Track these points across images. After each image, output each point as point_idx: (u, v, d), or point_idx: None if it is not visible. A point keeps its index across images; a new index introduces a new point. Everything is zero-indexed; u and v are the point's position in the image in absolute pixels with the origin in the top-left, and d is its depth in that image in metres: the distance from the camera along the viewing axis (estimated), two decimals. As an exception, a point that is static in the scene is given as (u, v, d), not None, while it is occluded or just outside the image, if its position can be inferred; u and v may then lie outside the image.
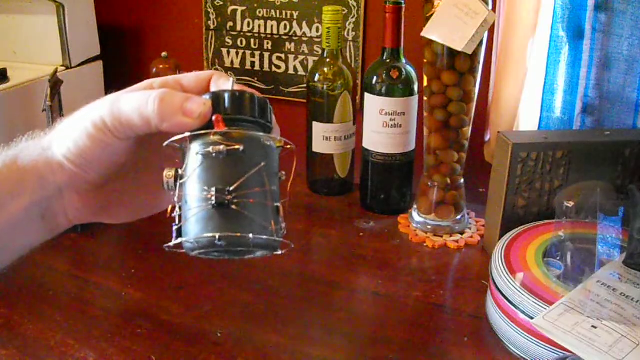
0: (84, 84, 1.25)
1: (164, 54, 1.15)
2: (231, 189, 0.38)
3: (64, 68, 1.20)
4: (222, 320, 0.74)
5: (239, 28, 1.25)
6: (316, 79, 1.03)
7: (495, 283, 0.72)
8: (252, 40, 1.25)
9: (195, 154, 0.40)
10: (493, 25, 0.88)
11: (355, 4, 1.14)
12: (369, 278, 0.84)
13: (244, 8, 1.23)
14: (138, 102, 0.41)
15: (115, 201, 0.48)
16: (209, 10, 1.27)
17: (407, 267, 0.88)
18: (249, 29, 1.24)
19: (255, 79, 1.28)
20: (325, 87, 1.02)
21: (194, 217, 0.38)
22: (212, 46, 1.29)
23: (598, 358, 0.59)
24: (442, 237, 0.93)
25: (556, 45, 0.93)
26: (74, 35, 1.20)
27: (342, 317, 0.77)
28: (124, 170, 0.46)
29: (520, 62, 0.98)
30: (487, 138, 1.09)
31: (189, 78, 0.46)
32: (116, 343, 0.69)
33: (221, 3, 1.25)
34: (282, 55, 1.24)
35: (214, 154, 0.39)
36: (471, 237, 0.94)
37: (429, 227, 0.95)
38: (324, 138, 1.05)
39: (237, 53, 1.27)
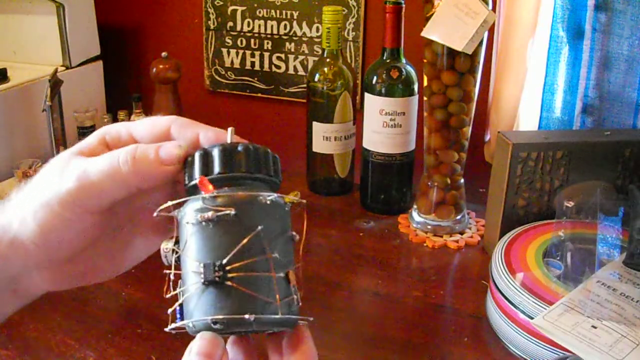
0: (84, 84, 1.25)
1: (164, 54, 1.15)
2: (224, 262, 0.33)
3: (64, 68, 1.20)
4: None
5: (239, 28, 1.25)
6: (316, 79, 1.03)
7: (495, 283, 0.72)
8: (252, 40, 1.25)
9: (185, 223, 0.35)
10: (493, 25, 0.88)
11: (355, 4, 1.14)
12: (369, 278, 0.84)
13: (244, 8, 1.23)
14: (108, 166, 0.37)
15: (93, 266, 0.43)
16: (209, 10, 1.27)
17: (407, 267, 0.88)
18: (249, 29, 1.24)
19: (255, 79, 1.28)
20: (325, 87, 1.02)
21: (187, 298, 0.34)
22: (212, 46, 1.29)
23: (598, 358, 0.59)
24: (442, 237, 0.93)
25: (556, 45, 0.93)
26: (74, 35, 1.20)
27: (342, 317, 0.77)
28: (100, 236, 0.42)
29: (520, 62, 0.98)
30: (487, 138, 1.09)
31: (142, 128, 0.40)
32: (116, 343, 0.69)
33: (221, 3, 1.25)
34: (282, 55, 1.24)
35: (203, 223, 0.34)
36: (471, 237, 0.94)
37: (429, 227, 0.95)
38: (324, 138, 1.05)
39: (237, 53, 1.27)
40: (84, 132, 1.08)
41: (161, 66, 1.13)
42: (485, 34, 0.85)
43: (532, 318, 0.65)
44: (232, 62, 1.28)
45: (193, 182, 0.37)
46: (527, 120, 1.01)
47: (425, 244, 0.93)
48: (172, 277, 0.36)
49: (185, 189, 0.38)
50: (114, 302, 0.78)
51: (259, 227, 0.34)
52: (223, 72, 1.30)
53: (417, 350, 0.70)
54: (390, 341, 0.71)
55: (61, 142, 0.97)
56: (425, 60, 0.89)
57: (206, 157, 0.37)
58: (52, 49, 1.20)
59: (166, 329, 0.36)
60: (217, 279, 0.33)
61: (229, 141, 0.38)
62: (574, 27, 0.91)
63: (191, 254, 0.35)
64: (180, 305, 0.35)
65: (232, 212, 0.34)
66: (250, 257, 0.34)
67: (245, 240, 0.34)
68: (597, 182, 0.84)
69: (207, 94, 1.33)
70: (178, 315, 0.36)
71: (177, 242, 0.37)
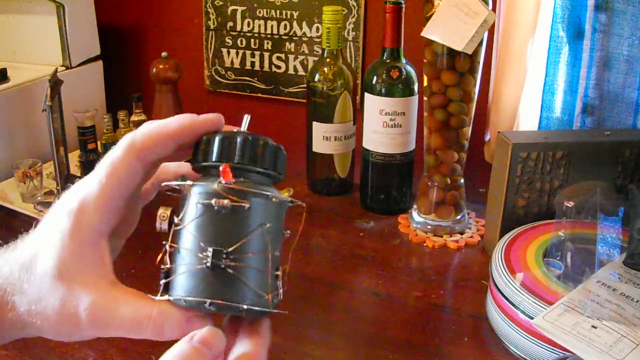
0: (84, 84, 1.25)
1: (164, 54, 1.15)
2: (229, 250, 0.35)
3: (64, 68, 1.20)
4: (222, 320, 0.74)
5: (239, 28, 1.25)
6: (316, 79, 1.03)
7: (495, 283, 0.72)
8: (252, 40, 1.25)
9: (195, 202, 0.36)
10: (493, 25, 0.88)
11: (355, 4, 1.14)
12: (369, 278, 0.84)
13: (244, 8, 1.23)
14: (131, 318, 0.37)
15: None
16: (209, 10, 1.27)
17: (407, 267, 0.88)
18: (249, 29, 1.24)
19: (255, 79, 1.28)
20: (325, 87, 1.02)
21: (185, 274, 0.36)
22: (212, 46, 1.29)
23: (598, 358, 0.59)
24: (442, 237, 0.93)
25: (556, 45, 0.93)
26: (74, 35, 1.20)
27: (342, 317, 0.77)
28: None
29: (520, 62, 0.98)
30: (487, 138, 1.09)
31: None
32: (116, 343, 0.69)
33: (221, 3, 1.25)
34: (282, 55, 1.24)
35: (216, 207, 0.35)
36: (471, 237, 0.94)
37: (429, 227, 0.95)
38: (324, 138, 1.05)
39: (237, 53, 1.27)
40: (84, 132, 1.08)
41: (161, 66, 1.13)
42: (485, 34, 0.85)
43: (532, 318, 0.65)
44: (232, 62, 1.28)
45: (209, 164, 0.38)
46: (527, 120, 1.01)
47: (425, 244, 0.93)
48: (167, 248, 0.37)
49: (195, 165, 0.39)
50: (114, 302, 0.78)
51: (267, 225, 0.37)
52: (223, 72, 1.30)
53: (417, 350, 0.70)
54: (390, 341, 0.71)
55: (61, 142, 0.97)
56: (425, 60, 0.89)
57: (228, 143, 0.37)
58: (52, 49, 1.20)
59: (155, 298, 0.37)
60: (222, 265, 0.35)
61: (243, 129, 0.40)
62: (574, 27, 0.91)
63: (196, 234, 0.36)
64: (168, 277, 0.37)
65: (247, 205, 0.36)
66: (253, 251, 0.36)
67: (252, 235, 0.36)
68: (597, 182, 0.84)
69: (207, 94, 1.33)
70: (161, 287, 0.37)
71: (173, 214, 0.38)
